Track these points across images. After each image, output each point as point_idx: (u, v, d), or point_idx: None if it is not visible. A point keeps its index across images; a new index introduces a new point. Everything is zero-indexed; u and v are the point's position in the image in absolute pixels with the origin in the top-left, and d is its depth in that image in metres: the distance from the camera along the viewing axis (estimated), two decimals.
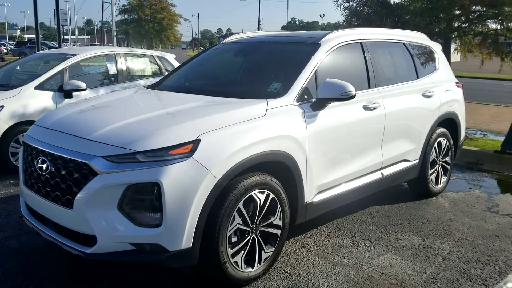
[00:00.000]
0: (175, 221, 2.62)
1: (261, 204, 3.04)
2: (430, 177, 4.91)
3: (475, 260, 3.55)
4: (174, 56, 7.99)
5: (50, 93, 5.92)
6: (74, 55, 6.45)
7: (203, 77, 4.55)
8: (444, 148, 5.06)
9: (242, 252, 2.98)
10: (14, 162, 5.56)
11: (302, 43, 4.02)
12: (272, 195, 3.10)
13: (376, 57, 4.26)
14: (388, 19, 7.94)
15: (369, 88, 4.07)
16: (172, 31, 49.78)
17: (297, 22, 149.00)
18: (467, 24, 7.89)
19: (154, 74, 7.28)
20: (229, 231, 2.87)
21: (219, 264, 2.84)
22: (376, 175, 4.14)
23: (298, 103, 3.36)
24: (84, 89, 6.00)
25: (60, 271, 3.25)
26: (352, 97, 3.40)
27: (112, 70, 6.74)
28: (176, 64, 7.43)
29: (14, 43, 51.39)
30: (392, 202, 4.84)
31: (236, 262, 2.95)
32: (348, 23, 8.57)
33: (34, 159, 3.04)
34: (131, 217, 2.63)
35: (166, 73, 6.22)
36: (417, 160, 4.68)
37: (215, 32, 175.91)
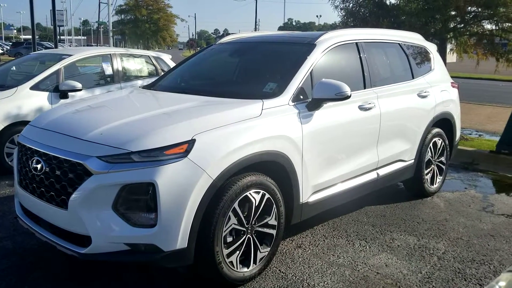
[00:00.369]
0: (170, 221, 2.62)
1: (256, 204, 3.03)
2: (426, 177, 4.92)
3: (470, 260, 3.57)
4: (170, 57, 7.98)
5: (46, 94, 5.89)
6: (70, 55, 6.44)
7: (199, 77, 4.55)
8: (439, 148, 5.07)
9: (238, 252, 2.98)
10: (9, 163, 5.53)
11: (297, 43, 4.02)
12: (267, 195, 3.10)
13: (372, 58, 4.27)
14: (384, 19, 7.96)
15: (365, 88, 4.08)
16: (169, 31, 49.64)
17: (294, 23, 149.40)
18: (462, 25, 7.93)
19: (150, 75, 7.26)
20: (224, 231, 2.86)
21: (214, 264, 2.83)
22: (372, 175, 4.15)
23: (293, 103, 3.36)
24: (80, 90, 5.99)
25: (55, 272, 3.24)
26: (348, 97, 3.41)
27: (108, 70, 6.72)
28: (172, 64, 7.42)
29: (10, 43, 51.26)
30: (388, 202, 4.85)
31: (231, 262, 2.94)
32: (345, 24, 8.59)
33: (29, 159, 3.03)
34: (126, 217, 2.62)
35: (162, 74, 6.21)
36: (413, 160, 4.69)
37: (212, 33, 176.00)
